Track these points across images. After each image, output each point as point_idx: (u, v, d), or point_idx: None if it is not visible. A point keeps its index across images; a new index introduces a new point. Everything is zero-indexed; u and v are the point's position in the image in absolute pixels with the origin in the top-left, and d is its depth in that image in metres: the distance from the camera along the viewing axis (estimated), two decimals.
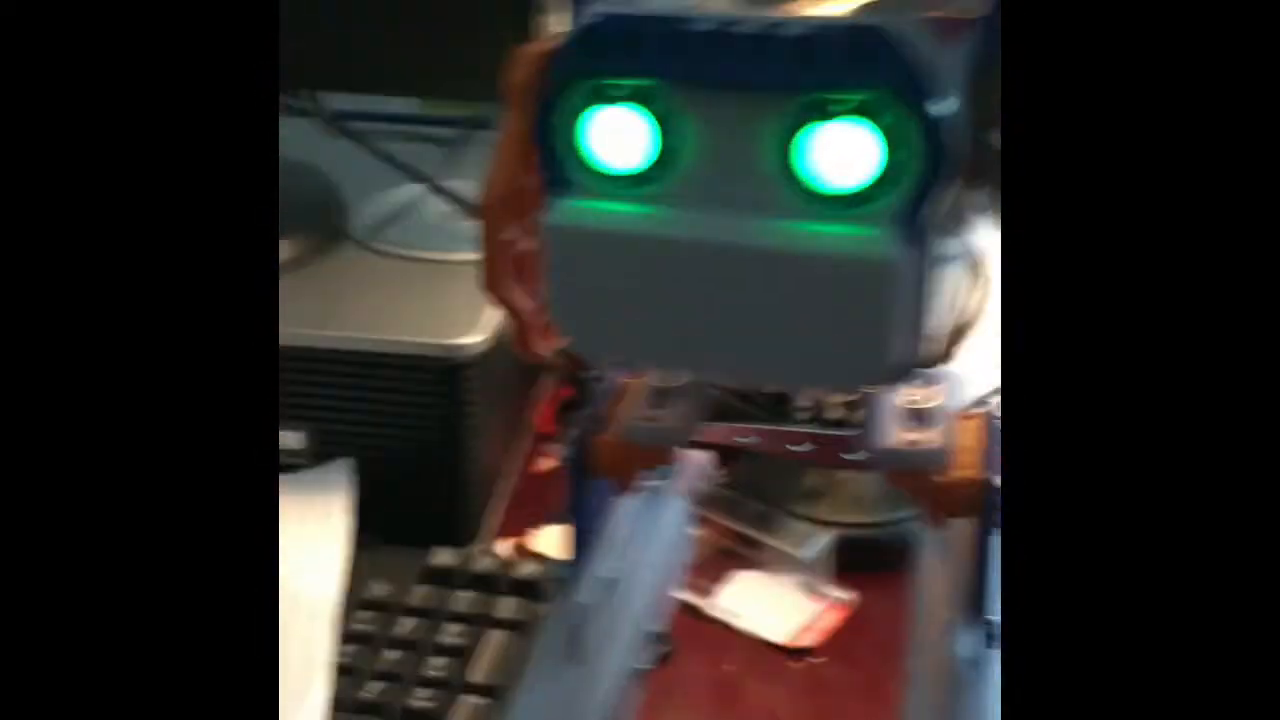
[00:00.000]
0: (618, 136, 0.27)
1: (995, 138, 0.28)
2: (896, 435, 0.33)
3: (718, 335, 0.27)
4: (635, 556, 0.40)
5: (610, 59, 0.26)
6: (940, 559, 0.38)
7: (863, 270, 0.25)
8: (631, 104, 0.26)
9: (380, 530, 0.59)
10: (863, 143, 0.25)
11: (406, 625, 0.54)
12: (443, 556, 0.58)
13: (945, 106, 0.24)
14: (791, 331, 0.26)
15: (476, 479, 0.63)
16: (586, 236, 0.27)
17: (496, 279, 0.33)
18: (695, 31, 0.25)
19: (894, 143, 0.25)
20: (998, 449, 0.34)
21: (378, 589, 0.56)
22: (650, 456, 0.37)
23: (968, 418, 0.35)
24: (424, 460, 0.62)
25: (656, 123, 0.26)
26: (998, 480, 0.33)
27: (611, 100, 0.26)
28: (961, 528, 0.35)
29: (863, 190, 0.25)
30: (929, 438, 0.33)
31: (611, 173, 0.27)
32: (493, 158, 0.32)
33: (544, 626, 0.37)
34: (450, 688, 0.51)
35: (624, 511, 0.40)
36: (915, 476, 0.33)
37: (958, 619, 0.34)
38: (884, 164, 0.25)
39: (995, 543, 0.34)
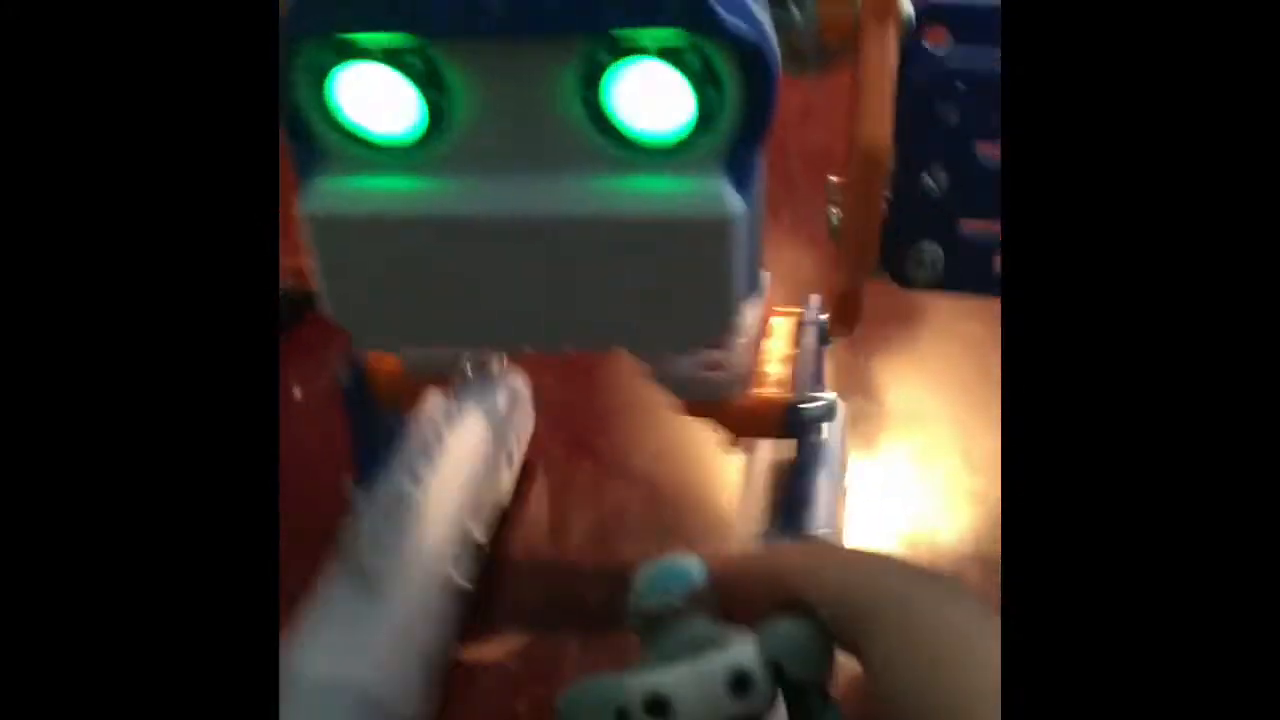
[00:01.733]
0: (374, 99, 0.22)
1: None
2: (693, 362, 0.31)
3: (529, 310, 0.24)
4: (436, 468, 0.36)
5: (354, 12, 0.21)
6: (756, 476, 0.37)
7: (701, 229, 0.22)
8: (385, 63, 0.22)
9: None
10: (671, 83, 0.22)
11: None
12: None
13: (757, 31, 0.21)
14: (618, 298, 0.23)
15: None
16: (352, 223, 0.23)
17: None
18: None
19: (706, 80, 0.21)
20: (812, 358, 0.33)
21: None
22: (431, 381, 0.35)
23: (767, 334, 0.33)
24: None
25: (417, 83, 0.22)
26: (805, 395, 0.32)
27: (360, 57, 0.22)
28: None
29: (681, 135, 0.22)
30: (726, 362, 0.31)
31: (373, 141, 0.23)
32: None
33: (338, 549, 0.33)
34: None
35: (426, 420, 0.36)
36: (713, 404, 0.31)
37: (771, 532, 0.33)
38: (698, 105, 0.22)
39: (810, 455, 0.33)
